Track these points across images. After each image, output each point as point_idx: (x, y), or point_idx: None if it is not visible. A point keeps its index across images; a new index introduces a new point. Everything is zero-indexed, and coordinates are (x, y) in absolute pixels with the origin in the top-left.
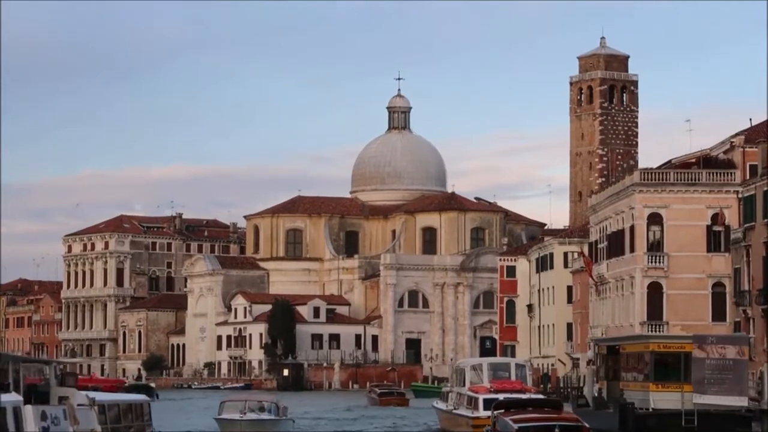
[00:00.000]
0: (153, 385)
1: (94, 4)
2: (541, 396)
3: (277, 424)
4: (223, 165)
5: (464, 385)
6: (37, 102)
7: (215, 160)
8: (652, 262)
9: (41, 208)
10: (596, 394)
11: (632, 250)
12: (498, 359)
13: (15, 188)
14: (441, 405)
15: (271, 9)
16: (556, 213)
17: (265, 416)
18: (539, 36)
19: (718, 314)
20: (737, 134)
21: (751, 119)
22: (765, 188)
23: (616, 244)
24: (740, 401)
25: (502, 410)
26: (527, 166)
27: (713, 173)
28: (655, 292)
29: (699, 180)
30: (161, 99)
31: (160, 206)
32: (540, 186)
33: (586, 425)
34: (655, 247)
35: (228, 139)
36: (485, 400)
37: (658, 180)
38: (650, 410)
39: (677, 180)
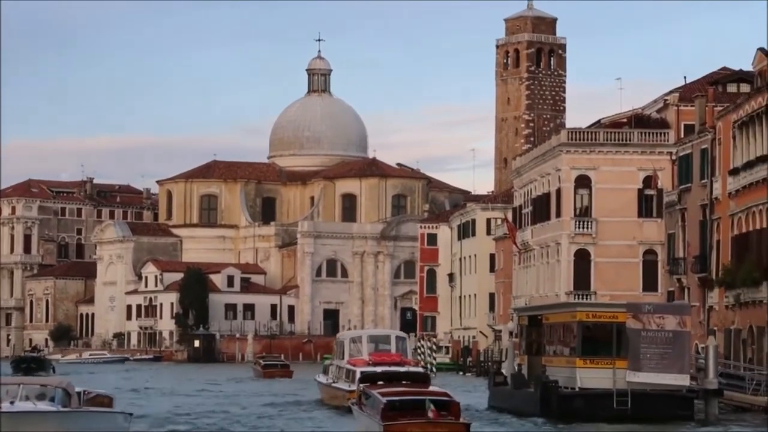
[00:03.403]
0: (45, 354)
1: None
2: (414, 369)
3: (61, 419)
4: (137, 135)
5: (344, 358)
6: None
7: (129, 130)
8: (579, 228)
9: None
10: (515, 371)
11: (558, 215)
12: (378, 331)
13: None
14: (322, 378)
15: None
16: (482, 183)
17: (44, 406)
18: None
19: (650, 284)
20: (671, 92)
21: (685, 77)
22: (703, 146)
23: (542, 209)
24: (681, 380)
25: (368, 383)
26: (453, 138)
27: (645, 133)
28: (582, 260)
29: (630, 140)
30: (79, 70)
31: (68, 171)
32: (466, 159)
33: (456, 400)
34: (583, 212)
35: (142, 108)
36: (362, 373)
37: (587, 140)
38: (577, 390)
39: (607, 140)
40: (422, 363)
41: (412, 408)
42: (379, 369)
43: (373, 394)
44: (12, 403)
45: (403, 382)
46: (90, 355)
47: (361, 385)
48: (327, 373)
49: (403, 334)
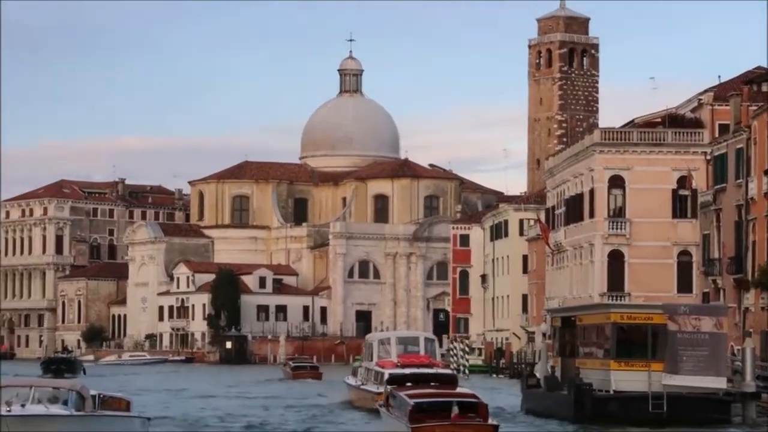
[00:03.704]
0: (75, 356)
1: None
2: (442, 371)
3: (73, 423)
4: (169, 135)
5: (372, 360)
6: None
7: (162, 131)
8: (613, 229)
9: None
10: (549, 373)
11: (592, 215)
12: (406, 333)
13: None
14: (351, 380)
15: None
16: (515, 184)
17: (56, 410)
18: None
19: (684, 285)
20: (705, 91)
21: (720, 76)
22: (738, 146)
23: (575, 210)
24: (718, 382)
25: (395, 385)
26: (485, 139)
27: (680, 133)
28: (615, 261)
29: (664, 140)
30: (112, 71)
31: (101, 172)
32: (499, 160)
33: (484, 401)
34: (617, 213)
35: (175, 109)
36: (389, 375)
37: (621, 140)
38: (611, 392)
39: (641, 140)
40: (454, 365)
41: (439, 410)
42: (407, 371)
43: (400, 396)
44: (23, 406)
45: (432, 384)
46: (130, 356)
47: (388, 386)
48: (356, 375)
49: (431, 335)
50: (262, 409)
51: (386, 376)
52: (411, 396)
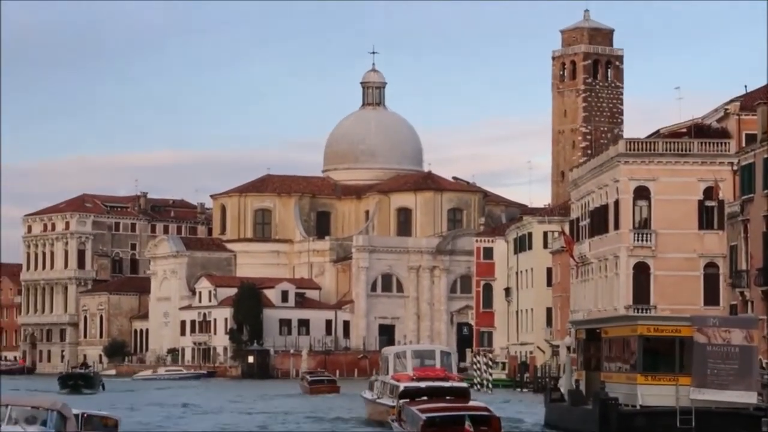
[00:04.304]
0: (94, 371)
1: None
2: (456, 384)
3: None
4: (192, 149)
5: (388, 374)
6: (22, 88)
7: (184, 145)
8: (638, 241)
9: (25, 192)
10: (573, 387)
11: (617, 227)
12: (422, 346)
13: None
14: (367, 394)
15: None
16: (539, 198)
17: (33, 431)
18: (521, 8)
19: (711, 298)
20: (732, 101)
21: (746, 86)
22: (765, 155)
23: (599, 221)
24: (748, 397)
25: (408, 399)
26: (509, 152)
27: (706, 143)
28: (641, 273)
29: (690, 150)
30: (134, 85)
31: (125, 187)
32: (523, 174)
33: (496, 415)
34: (642, 224)
35: (197, 123)
36: (402, 389)
37: (646, 151)
38: (638, 407)
39: (666, 150)
40: (478, 379)
41: (451, 423)
42: (420, 384)
43: (412, 411)
44: None
45: (447, 397)
46: (166, 371)
47: (400, 400)
48: (372, 389)
49: (447, 348)
50: (263, 424)
51: (400, 390)
52: (423, 410)
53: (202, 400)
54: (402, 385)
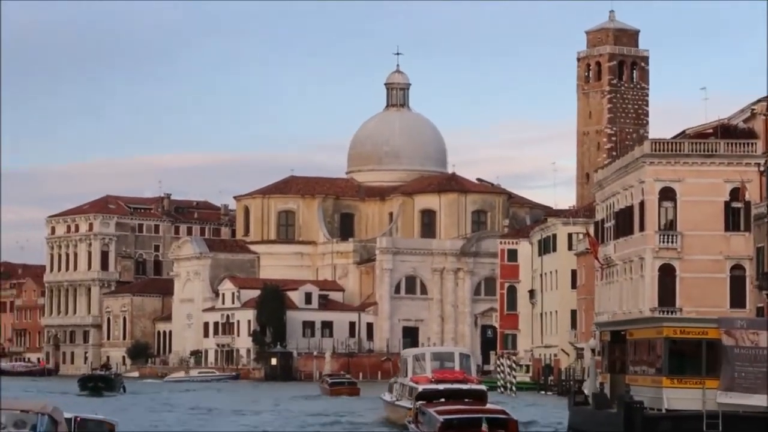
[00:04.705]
0: (115, 373)
1: None
2: (476, 386)
3: None
4: (215, 151)
5: (407, 376)
6: (46, 90)
7: (208, 147)
8: (663, 242)
9: (48, 194)
10: (597, 390)
11: (642, 228)
12: (441, 348)
13: (20, 174)
14: (387, 396)
15: None
16: (564, 200)
17: None
18: (546, 9)
19: (738, 300)
20: (758, 101)
21: None
22: None
23: (625, 223)
24: None
25: (425, 401)
26: (534, 154)
27: (732, 144)
28: (667, 275)
29: (716, 151)
30: (159, 88)
31: (150, 189)
32: (547, 176)
33: (514, 417)
34: (668, 226)
35: (221, 125)
36: (419, 391)
37: (671, 151)
38: (663, 411)
39: (692, 151)
40: (502, 382)
41: (468, 426)
42: (437, 387)
43: (429, 413)
44: None
45: (466, 400)
46: (199, 372)
47: (417, 402)
48: (392, 391)
49: (467, 351)
50: (297, 426)
51: (417, 392)
52: (440, 412)
53: (220, 403)
54: (419, 387)
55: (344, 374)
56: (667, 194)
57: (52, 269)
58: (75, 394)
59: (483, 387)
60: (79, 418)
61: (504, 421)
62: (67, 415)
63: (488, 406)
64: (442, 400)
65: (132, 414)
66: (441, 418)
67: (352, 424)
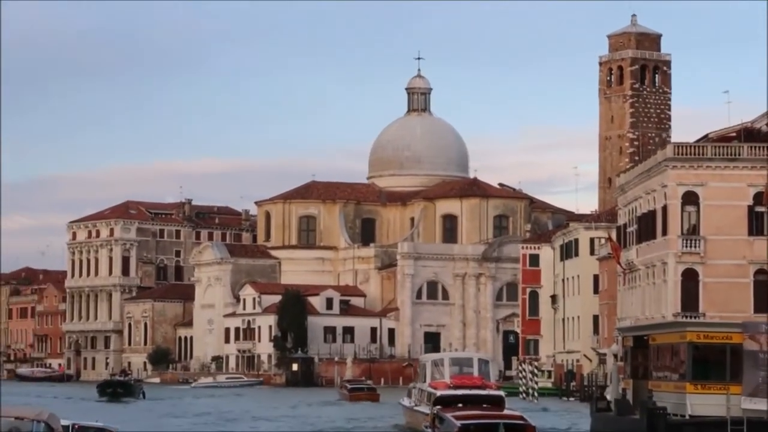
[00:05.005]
0: (134, 379)
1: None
2: (494, 392)
3: None
4: (237, 157)
5: (426, 381)
6: (68, 96)
7: (229, 152)
8: (686, 247)
9: (69, 200)
10: (620, 396)
11: (665, 233)
12: (460, 354)
13: (42, 180)
14: (405, 401)
15: None
16: (586, 205)
17: None
18: (567, 14)
19: (762, 305)
20: None
21: None
22: None
23: (647, 227)
24: None
25: (442, 406)
26: (555, 160)
27: (756, 147)
28: (690, 280)
29: (740, 155)
30: (179, 94)
31: (172, 194)
32: (569, 181)
33: (532, 423)
34: (691, 230)
35: (242, 131)
36: (437, 396)
37: (694, 155)
38: (687, 417)
39: (715, 155)
40: (523, 387)
41: (485, 431)
42: (455, 392)
43: (447, 417)
44: None
45: (484, 405)
46: (226, 378)
47: (434, 407)
48: (411, 396)
49: (486, 356)
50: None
51: (434, 397)
52: (457, 417)
53: (237, 408)
54: (437, 392)
55: (364, 380)
56: (690, 198)
57: (73, 275)
58: (94, 400)
59: (501, 392)
60: (77, 426)
61: (522, 426)
62: (64, 422)
63: (506, 411)
64: (460, 405)
65: (144, 420)
66: (458, 423)
67: (364, 429)
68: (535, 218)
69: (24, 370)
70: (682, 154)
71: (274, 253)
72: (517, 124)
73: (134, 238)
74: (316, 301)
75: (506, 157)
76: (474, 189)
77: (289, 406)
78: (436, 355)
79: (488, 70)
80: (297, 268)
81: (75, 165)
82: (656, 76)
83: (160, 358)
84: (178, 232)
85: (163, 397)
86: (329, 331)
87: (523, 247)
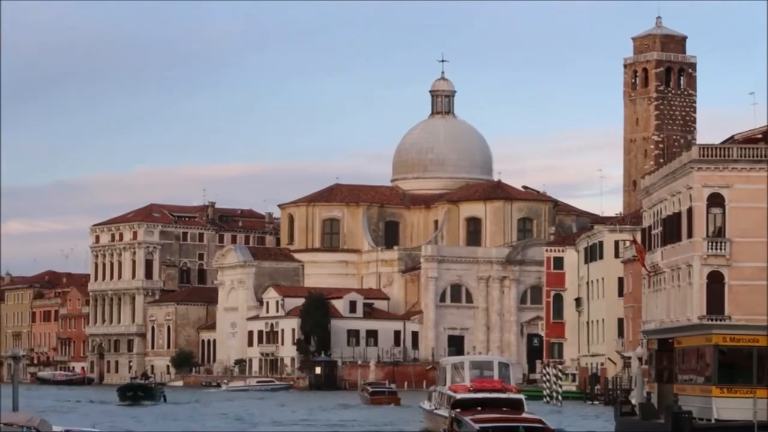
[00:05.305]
0: (155, 382)
1: (148, 4)
2: (513, 395)
3: None
4: (261, 161)
5: (446, 384)
6: (93, 101)
7: (253, 156)
8: (712, 249)
9: (94, 204)
10: (645, 400)
11: (690, 235)
12: (480, 357)
13: (70, 185)
14: (426, 405)
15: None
16: (610, 208)
17: None
18: (592, 16)
19: None
20: None
21: None
22: None
23: (672, 230)
24: None
25: (460, 409)
26: (580, 163)
27: None
28: (715, 282)
29: (765, 156)
30: (203, 99)
31: (197, 198)
32: (594, 185)
33: (551, 427)
34: (716, 232)
35: (266, 134)
36: (455, 399)
37: (720, 157)
38: (713, 421)
39: (741, 156)
40: (547, 391)
41: None
42: (473, 395)
43: (465, 421)
44: None
45: (503, 408)
46: (257, 382)
47: (453, 411)
48: (431, 400)
49: (506, 359)
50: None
51: (453, 400)
52: (476, 420)
53: (255, 412)
54: (456, 395)
55: (386, 383)
56: (716, 200)
57: (96, 278)
58: (115, 404)
59: (521, 396)
60: (70, 431)
61: (541, 430)
62: (57, 428)
63: (525, 415)
64: (479, 408)
65: (153, 425)
66: (477, 426)
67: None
68: (559, 221)
69: (45, 373)
70: (708, 156)
71: (297, 256)
72: (542, 127)
73: (157, 241)
74: (340, 305)
75: (530, 159)
76: (498, 192)
77: (307, 410)
78: (457, 358)
79: (512, 73)
80: (320, 271)
81: (99, 168)
82: (681, 78)
83: (183, 362)
84: (201, 235)
85: (185, 400)
86: (352, 334)
87: (547, 250)
